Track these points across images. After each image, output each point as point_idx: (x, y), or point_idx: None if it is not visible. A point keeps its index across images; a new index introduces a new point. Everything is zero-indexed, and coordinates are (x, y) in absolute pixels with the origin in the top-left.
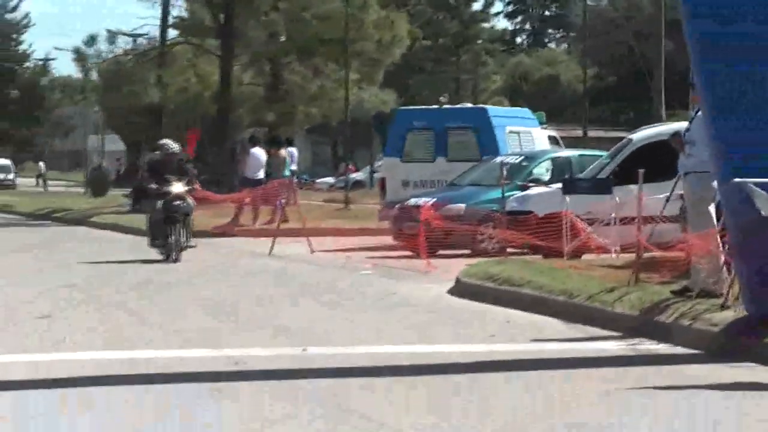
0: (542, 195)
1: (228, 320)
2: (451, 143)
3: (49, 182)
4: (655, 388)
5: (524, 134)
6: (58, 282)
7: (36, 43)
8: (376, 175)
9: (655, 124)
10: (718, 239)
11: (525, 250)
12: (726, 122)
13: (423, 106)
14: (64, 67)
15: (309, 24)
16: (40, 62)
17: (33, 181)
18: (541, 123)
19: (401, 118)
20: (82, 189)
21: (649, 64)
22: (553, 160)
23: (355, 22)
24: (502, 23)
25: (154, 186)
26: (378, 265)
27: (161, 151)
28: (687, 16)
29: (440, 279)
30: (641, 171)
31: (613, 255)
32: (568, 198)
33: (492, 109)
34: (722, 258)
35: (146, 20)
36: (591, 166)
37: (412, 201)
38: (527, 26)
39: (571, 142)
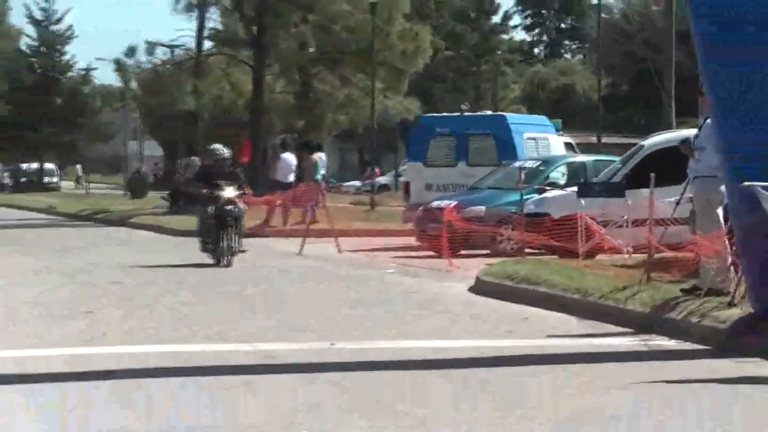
0: (558, 198)
1: (259, 316)
2: (471, 149)
3: (91, 185)
4: (665, 381)
5: (541, 140)
6: (101, 280)
7: (79, 54)
8: (401, 179)
9: (666, 131)
10: (726, 240)
11: (542, 251)
12: (727, 122)
13: (445, 114)
14: (105, 76)
15: (337, 35)
16: (83, 72)
17: (71, 183)
18: (557, 130)
19: (424, 124)
20: (122, 191)
21: (660, 73)
22: (569, 164)
23: (380, 33)
24: (520, 35)
25: (205, 191)
26: (402, 264)
27: (212, 156)
28: (691, 16)
29: (461, 278)
30: (652, 175)
31: (626, 255)
32: (582, 201)
33: (511, 117)
34: (729, 258)
35: (183, 32)
36: (605, 171)
37: (435, 203)
38: (544, 38)
39: (585, 148)
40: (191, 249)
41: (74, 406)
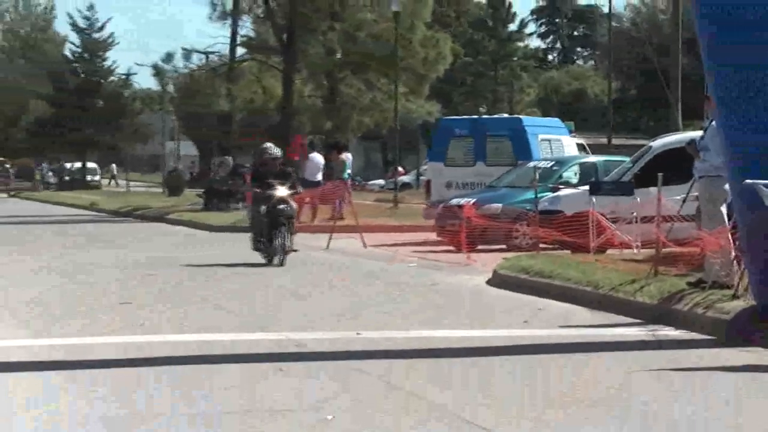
0: (571, 196)
1: (290, 307)
2: (489, 149)
3: (131, 183)
4: (672, 369)
5: (555, 141)
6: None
7: (119, 60)
8: (422, 178)
9: (673, 133)
10: (729, 236)
11: (555, 246)
12: (729, 121)
13: (464, 116)
14: (144, 80)
15: (362, 42)
16: (123, 76)
17: (106, 181)
18: (570, 131)
19: (445, 126)
20: (159, 189)
21: (667, 78)
22: (581, 164)
23: (403, 40)
24: (535, 42)
25: (258, 190)
26: (423, 258)
27: (264, 155)
28: (696, 17)
29: (479, 271)
30: (660, 174)
31: (635, 250)
32: (594, 199)
33: (526, 119)
34: (733, 253)
35: (217, 39)
36: (615, 170)
37: (454, 201)
38: (558, 45)
39: (596, 149)
40: (230, 244)
41: (120, 390)
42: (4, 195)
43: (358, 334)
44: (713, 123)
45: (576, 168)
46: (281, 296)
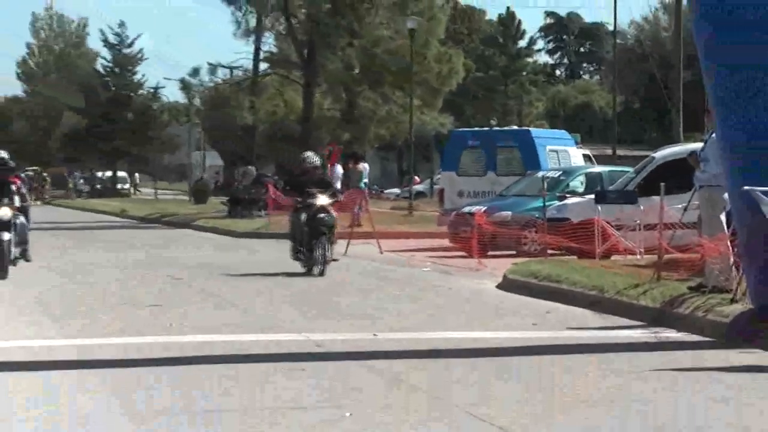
0: (577, 204)
1: (311, 309)
2: (499, 160)
3: (159, 191)
4: (673, 369)
5: (562, 152)
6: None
7: (148, 74)
8: (436, 187)
9: (675, 145)
10: (728, 243)
11: (562, 252)
12: (726, 122)
13: (476, 128)
14: (172, 94)
15: (379, 58)
16: (152, 90)
17: (128, 188)
18: (576, 143)
19: (457, 138)
20: (186, 197)
21: (669, 92)
22: (587, 174)
23: (418, 56)
24: (543, 58)
25: (298, 199)
26: (437, 263)
27: (304, 164)
28: (694, 18)
29: (490, 275)
30: (663, 184)
31: (638, 256)
32: (599, 207)
33: (535, 131)
34: (732, 259)
35: (241, 55)
36: (619, 180)
37: (467, 209)
38: (565, 60)
39: (602, 160)
40: (255, 249)
41: (139, 388)
42: (38, 203)
43: (374, 335)
44: (713, 135)
45: (582, 178)
46: (300, 298)
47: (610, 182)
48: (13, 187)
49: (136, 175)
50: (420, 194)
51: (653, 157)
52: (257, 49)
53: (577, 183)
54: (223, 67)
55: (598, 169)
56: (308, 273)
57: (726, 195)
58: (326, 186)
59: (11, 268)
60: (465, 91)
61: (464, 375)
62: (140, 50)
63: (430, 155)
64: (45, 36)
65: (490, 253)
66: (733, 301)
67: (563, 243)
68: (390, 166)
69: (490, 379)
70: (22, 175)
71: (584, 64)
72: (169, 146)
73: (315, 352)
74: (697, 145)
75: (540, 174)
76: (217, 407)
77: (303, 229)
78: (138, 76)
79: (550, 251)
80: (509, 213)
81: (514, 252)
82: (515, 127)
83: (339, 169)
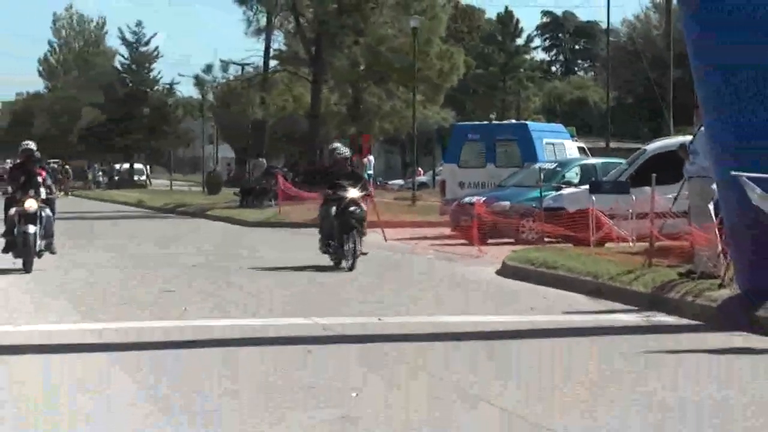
0: (573, 194)
1: (318, 294)
2: (498, 152)
3: (174, 183)
4: (664, 351)
5: (558, 145)
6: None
7: (164, 71)
8: (438, 178)
9: (665, 138)
10: (716, 231)
11: (558, 240)
12: (712, 118)
13: (476, 122)
14: (186, 89)
15: (383, 56)
16: (167, 86)
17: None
18: (571, 136)
19: (458, 131)
20: (200, 188)
21: (660, 88)
22: (582, 166)
23: (421, 54)
24: (540, 55)
25: (329, 191)
26: (439, 251)
27: (333, 155)
28: (683, 18)
29: (489, 262)
30: (654, 175)
31: (631, 244)
32: (593, 197)
33: (532, 125)
34: (720, 246)
35: (252, 53)
36: (612, 171)
37: (467, 199)
38: (561, 57)
39: (596, 152)
40: (268, 237)
41: (162, 371)
42: (61, 194)
43: (379, 319)
44: (701, 128)
45: (577, 169)
46: (308, 284)
47: (604, 173)
48: (39, 179)
49: (147, 167)
50: (423, 185)
51: (645, 150)
52: (267, 47)
53: (573, 174)
54: (235, 64)
55: (592, 161)
56: (337, 266)
57: (714, 186)
58: (356, 179)
59: (36, 260)
60: (465, 86)
61: (466, 357)
62: (156, 48)
63: (432, 148)
64: (65, 35)
65: (489, 241)
66: (720, 286)
67: (559, 231)
68: (394, 159)
69: (490, 361)
70: (47, 167)
71: (579, 61)
72: (184, 140)
73: (323, 335)
74: (687, 138)
75: (537, 166)
76: (236, 387)
77: (333, 222)
78: (154, 73)
79: (546, 239)
80: (508, 203)
81: (512, 240)
82: (513, 121)
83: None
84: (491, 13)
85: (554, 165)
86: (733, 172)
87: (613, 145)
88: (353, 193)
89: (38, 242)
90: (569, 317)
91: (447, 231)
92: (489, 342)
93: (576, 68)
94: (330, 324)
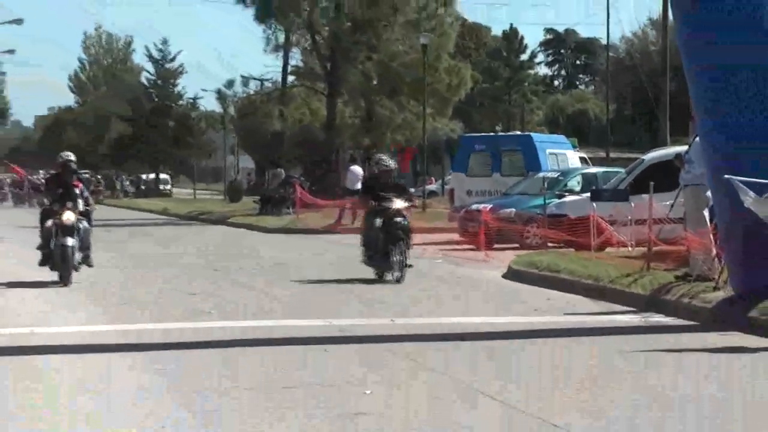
0: (574, 202)
1: (332, 296)
2: (504, 162)
3: (197, 192)
4: (661, 350)
5: (560, 155)
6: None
7: (188, 86)
8: (447, 186)
9: (662, 148)
10: (711, 236)
11: (561, 245)
12: (704, 122)
13: (482, 134)
14: (209, 103)
15: (395, 71)
16: (191, 100)
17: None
18: (573, 147)
19: (466, 142)
20: (221, 197)
21: (657, 100)
22: (583, 175)
23: (430, 69)
24: (543, 70)
25: (373, 202)
26: (447, 255)
27: (379, 166)
28: (676, 22)
29: (495, 266)
30: (651, 183)
31: (630, 248)
32: (594, 204)
33: (536, 136)
34: (714, 251)
35: (271, 68)
36: (612, 180)
37: (474, 206)
38: (563, 72)
39: (596, 161)
40: (288, 245)
41: (183, 368)
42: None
43: (392, 320)
44: (697, 139)
45: (579, 178)
46: (322, 287)
47: (604, 182)
48: (77, 191)
49: (168, 177)
50: (432, 193)
51: (643, 159)
52: (285, 63)
53: (575, 183)
54: (255, 79)
55: (593, 170)
56: (380, 279)
57: (709, 193)
58: (401, 190)
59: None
60: (472, 100)
61: (473, 356)
62: (181, 64)
63: (441, 158)
64: (95, 52)
65: (495, 246)
66: (715, 288)
67: (562, 237)
68: (405, 168)
69: (496, 360)
70: (82, 177)
71: (580, 75)
72: (206, 151)
73: (338, 335)
74: (683, 148)
75: (541, 175)
76: (250, 384)
77: (378, 233)
78: (179, 88)
79: (550, 244)
80: (513, 210)
81: (517, 245)
82: (518, 133)
83: (359, 170)
84: (497, 31)
85: (557, 174)
86: (727, 176)
87: (612, 155)
88: (399, 203)
89: (76, 255)
90: (571, 318)
91: (455, 236)
92: (495, 342)
93: (577, 82)
94: (345, 325)
